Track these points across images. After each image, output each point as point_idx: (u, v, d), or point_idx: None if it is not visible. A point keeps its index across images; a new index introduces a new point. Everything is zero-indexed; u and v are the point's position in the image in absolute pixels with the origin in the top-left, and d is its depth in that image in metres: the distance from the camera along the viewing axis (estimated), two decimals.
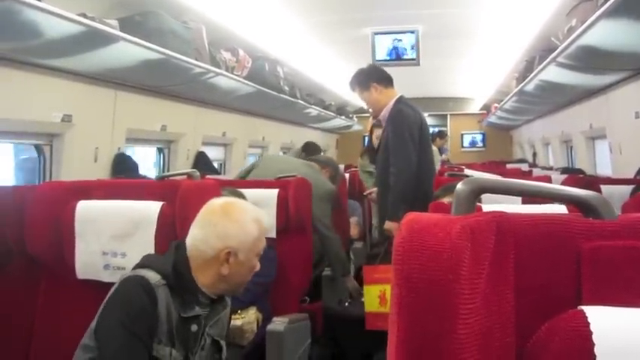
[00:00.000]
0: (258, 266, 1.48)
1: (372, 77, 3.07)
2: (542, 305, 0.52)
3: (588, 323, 0.44)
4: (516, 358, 0.50)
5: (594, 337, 0.43)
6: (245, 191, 2.50)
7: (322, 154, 5.44)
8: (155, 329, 1.31)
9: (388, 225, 2.87)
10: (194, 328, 1.37)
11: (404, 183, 2.82)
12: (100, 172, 3.15)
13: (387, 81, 3.08)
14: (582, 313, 0.45)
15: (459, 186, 0.56)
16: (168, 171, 4.08)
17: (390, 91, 3.07)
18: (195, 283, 1.39)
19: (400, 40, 4.63)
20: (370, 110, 3.26)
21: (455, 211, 0.55)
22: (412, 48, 4.63)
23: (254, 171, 3.23)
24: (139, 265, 1.43)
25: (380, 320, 2.53)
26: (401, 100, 3.03)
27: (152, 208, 1.69)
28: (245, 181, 2.74)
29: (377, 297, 2.57)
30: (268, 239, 2.50)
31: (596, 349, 0.43)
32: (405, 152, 2.86)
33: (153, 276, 1.35)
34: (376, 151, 3.17)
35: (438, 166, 5.38)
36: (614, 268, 0.51)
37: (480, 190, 0.56)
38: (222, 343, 1.48)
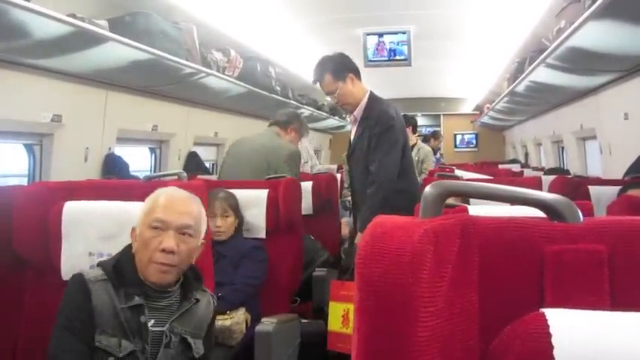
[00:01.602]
0: (155, 242, 1.43)
1: (349, 67, 2.78)
2: (506, 308, 0.52)
3: (548, 326, 0.44)
4: None
5: (553, 340, 0.44)
6: (236, 192, 2.51)
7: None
8: (92, 322, 1.38)
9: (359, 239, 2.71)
10: (143, 319, 1.42)
11: (384, 195, 2.59)
12: (91, 172, 3.15)
13: (358, 73, 2.81)
14: (543, 315, 0.46)
15: (427, 189, 0.57)
16: (160, 171, 4.08)
17: (361, 85, 2.80)
18: (136, 274, 1.45)
19: (392, 41, 4.64)
20: (336, 102, 2.88)
21: (422, 215, 0.55)
22: (404, 48, 4.65)
23: (227, 160, 3.20)
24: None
25: (341, 341, 2.36)
26: (380, 100, 2.79)
27: (138, 209, 1.69)
28: (236, 181, 2.72)
29: (340, 316, 2.41)
30: (258, 239, 2.52)
31: (555, 352, 0.43)
32: (391, 162, 2.65)
33: (94, 272, 1.45)
34: (351, 151, 2.87)
35: (432, 166, 5.41)
36: (577, 271, 0.52)
37: (448, 193, 0.56)
38: (191, 340, 1.46)
